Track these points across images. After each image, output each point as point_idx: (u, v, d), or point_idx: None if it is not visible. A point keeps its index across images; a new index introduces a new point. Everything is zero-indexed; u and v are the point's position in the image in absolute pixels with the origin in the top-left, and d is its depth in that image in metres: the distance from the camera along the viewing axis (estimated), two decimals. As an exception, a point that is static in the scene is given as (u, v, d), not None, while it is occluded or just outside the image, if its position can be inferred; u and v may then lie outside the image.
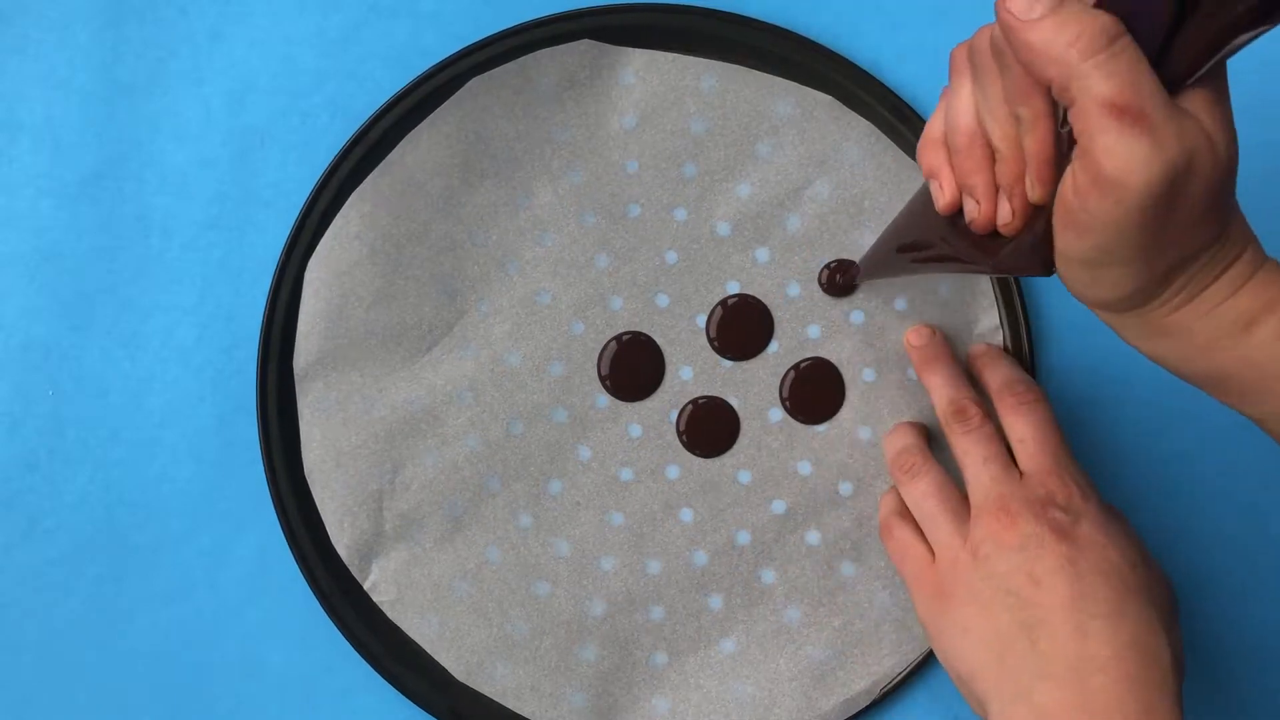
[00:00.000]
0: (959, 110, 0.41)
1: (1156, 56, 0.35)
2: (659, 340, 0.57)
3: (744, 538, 0.57)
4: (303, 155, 0.57)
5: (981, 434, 0.50)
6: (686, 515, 0.57)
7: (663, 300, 0.57)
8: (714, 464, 0.57)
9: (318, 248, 0.56)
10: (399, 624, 0.57)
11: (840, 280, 0.56)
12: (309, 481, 0.56)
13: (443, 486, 0.57)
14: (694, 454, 0.57)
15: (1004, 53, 0.37)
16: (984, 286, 0.57)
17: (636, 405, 0.57)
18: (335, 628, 0.57)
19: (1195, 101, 0.36)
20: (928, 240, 0.46)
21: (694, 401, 0.57)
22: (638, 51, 0.56)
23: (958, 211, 0.44)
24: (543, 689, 0.57)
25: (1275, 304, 0.38)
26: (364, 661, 0.57)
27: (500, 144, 0.56)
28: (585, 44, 0.56)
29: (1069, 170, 0.37)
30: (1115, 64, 0.34)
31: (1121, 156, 0.34)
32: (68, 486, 0.58)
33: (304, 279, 0.56)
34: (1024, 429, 0.50)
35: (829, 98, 0.56)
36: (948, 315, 0.57)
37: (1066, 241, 0.38)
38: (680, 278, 0.57)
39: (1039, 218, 0.40)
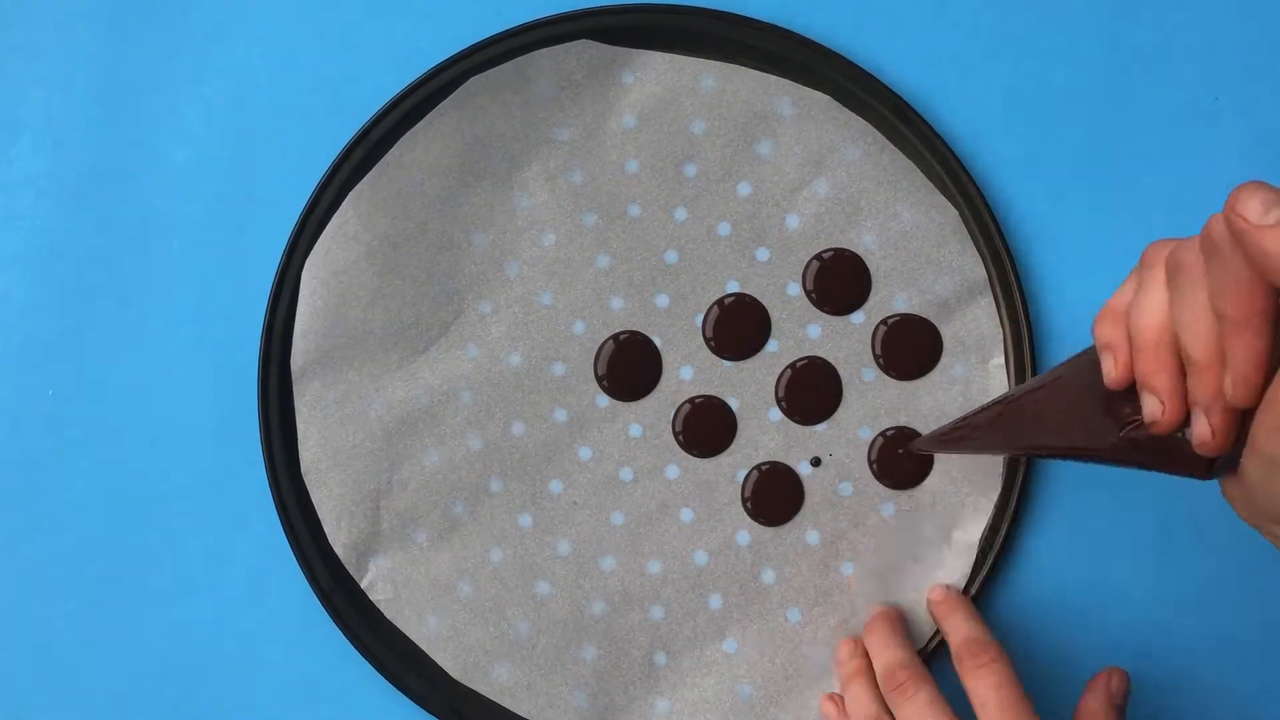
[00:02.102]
0: (1148, 308, 0.39)
1: None
2: (658, 340, 0.57)
3: (743, 538, 0.57)
4: (303, 155, 0.57)
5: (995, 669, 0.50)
6: (687, 515, 0.57)
7: (663, 300, 0.57)
8: (713, 464, 0.57)
9: (315, 247, 0.56)
10: (396, 623, 0.57)
11: (902, 457, 0.55)
12: (306, 480, 0.56)
13: (440, 486, 0.57)
14: (690, 454, 0.57)
15: (1219, 254, 0.36)
16: (982, 287, 0.57)
17: (636, 405, 0.57)
18: (335, 628, 0.57)
19: None
20: (1064, 428, 0.44)
21: (690, 401, 0.57)
22: (636, 52, 0.56)
23: (1115, 403, 0.41)
24: (540, 688, 0.57)
25: None
26: (364, 661, 0.57)
27: (498, 144, 0.56)
28: (583, 44, 0.56)
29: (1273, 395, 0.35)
30: None
31: None
32: (68, 486, 0.58)
33: (301, 278, 0.56)
34: (984, 692, 0.49)
35: (827, 97, 0.56)
36: (946, 315, 0.57)
37: (1267, 454, 0.36)
38: (680, 278, 0.57)
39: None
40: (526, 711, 0.57)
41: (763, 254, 0.57)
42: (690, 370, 0.57)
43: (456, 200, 0.56)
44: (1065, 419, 0.44)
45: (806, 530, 0.57)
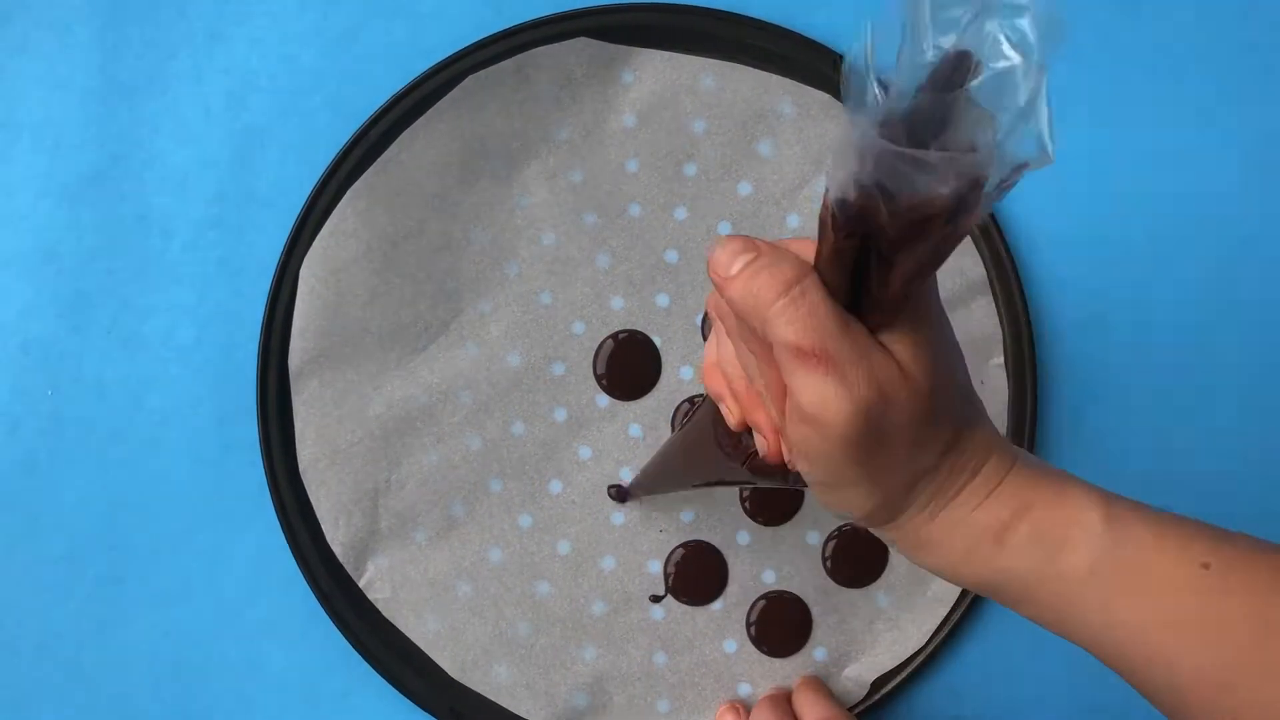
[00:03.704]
0: (726, 358, 0.42)
1: (856, 298, 0.36)
2: (658, 339, 0.57)
3: (743, 538, 0.57)
4: (303, 155, 0.57)
5: None
6: (687, 515, 0.57)
7: (663, 300, 0.57)
8: (713, 464, 0.57)
9: (313, 245, 0.56)
10: (394, 621, 0.57)
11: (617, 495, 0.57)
12: (304, 479, 0.56)
13: (440, 485, 0.57)
14: (689, 451, 0.57)
15: (726, 322, 0.40)
16: (982, 286, 0.57)
17: (636, 405, 0.57)
18: (335, 628, 0.57)
19: (895, 334, 0.36)
20: (702, 467, 0.48)
21: (690, 400, 0.57)
22: (635, 50, 0.56)
23: (739, 437, 0.44)
24: (539, 687, 0.57)
25: (1024, 511, 0.38)
26: (364, 661, 0.57)
27: (497, 142, 0.56)
28: (582, 42, 0.56)
29: (787, 405, 0.38)
30: (795, 310, 0.35)
31: (813, 395, 0.35)
32: (68, 486, 0.58)
33: (300, 276, 0.56)
34: None
35: (827, 96, 0.56)
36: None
37: (799, 465, 0.39)
38: (680, 277, 0.57)
39: None
40: (525, 711, 0.57)
41: (763, 254, 0.57)
42: (690, 370, 0.57)
43: (455, 198, 0.56)
44: (701, 459, 0.48)
45: (806, 530, 0.57)
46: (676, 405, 0.57)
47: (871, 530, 0.40)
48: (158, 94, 0.57)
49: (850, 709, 0.57)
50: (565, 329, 0.57)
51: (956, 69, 0.30)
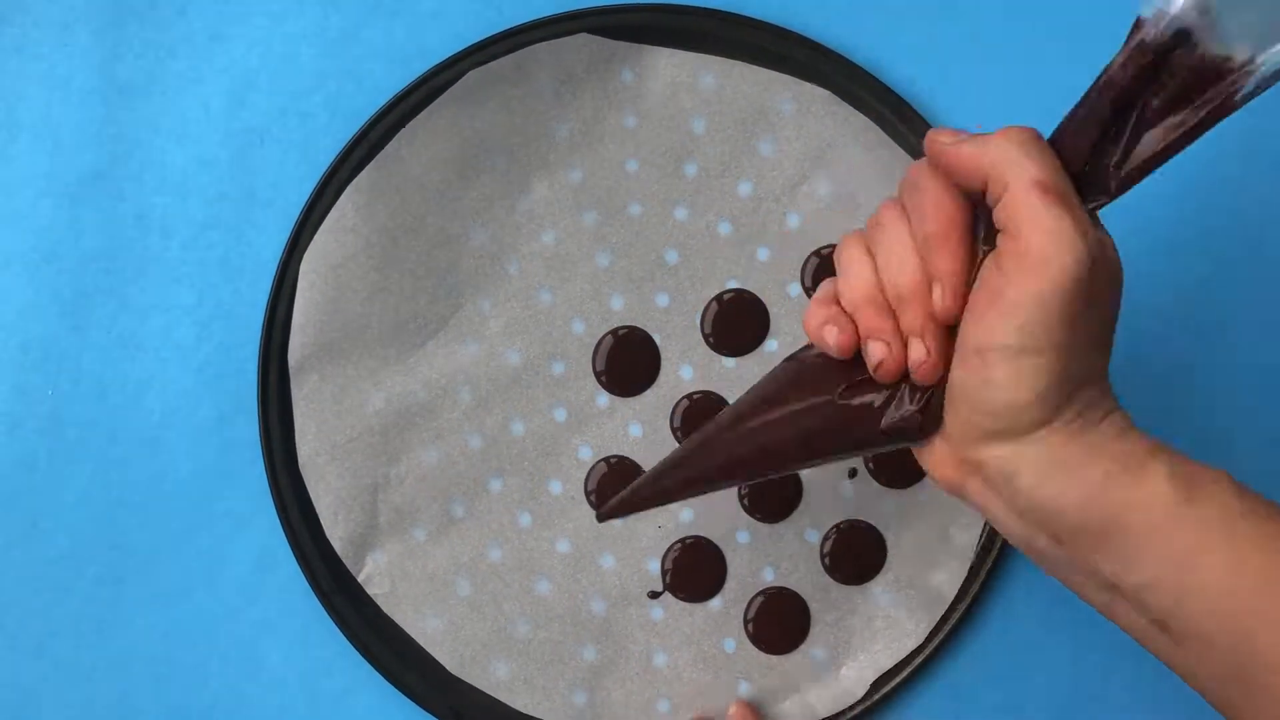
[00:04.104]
0: (854, 278, 0.43)
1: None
2: (657, 338, 0.57)
3: (743, 537, 0.57)
4: (303, 155, 0.57)
5: None
6: (687, 515, 0.57)
7: (663, 299, 0.57)
8: (712, 462, 0.57)
9: (313, 241, 0.56)
10: (394, 617, 0.57)
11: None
12: (303, 474, 0.56)
13: (439, 480, 0.57)
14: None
15: (917, 187, 0.41)
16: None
17: (636, 404, 0.57)
18: (335, 627, 0.57)
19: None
20: (797, 419, 0.44)
21: (689, 397, 0.57)
22: (636, 47, 0.56)
23: (836, 378, 0.43)
24: (538, 683, 0.57)
25: (1158, 450, 0.40)
26: (364, 661, 0.57)
27: (497, 139, 0.56)
28: (583, 39, 0.56)
29: (991, 261, 0.39)
30: (1044, 153, 0.39)
31: (1051, 231, 0.37)
32: (68, 486, 0.58)
33: (299, 272, 0.56)
34: None
35: (826, 92, 0.56)
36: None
37: (989, 326, 0.39)
38: (680, 277, 0.57)
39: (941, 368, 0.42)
40: (524, 705, 0.57)
41: (764, 253, 0.57)
42: (690, 369, 0.57)
43: (455, 194, 0.56)
44: (779, 420, 0.44)
45: (805, 528, 0.57)
46: (675, 402, 0.57)
47: (992, 452, 0.40)
48: (158, 94, 0.58)
49: (850, 709, 0.57)
50: (565, 327, 0.57)
51: None
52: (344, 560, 0.57)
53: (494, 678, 0.57)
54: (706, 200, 0.57)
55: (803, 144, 0.56)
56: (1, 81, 0.57)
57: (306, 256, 0.56)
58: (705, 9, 0.56)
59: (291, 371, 0.56)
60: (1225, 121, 0.38)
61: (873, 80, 0.56)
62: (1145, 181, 0.40)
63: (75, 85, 0.57)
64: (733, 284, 0.57)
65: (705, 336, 0.57)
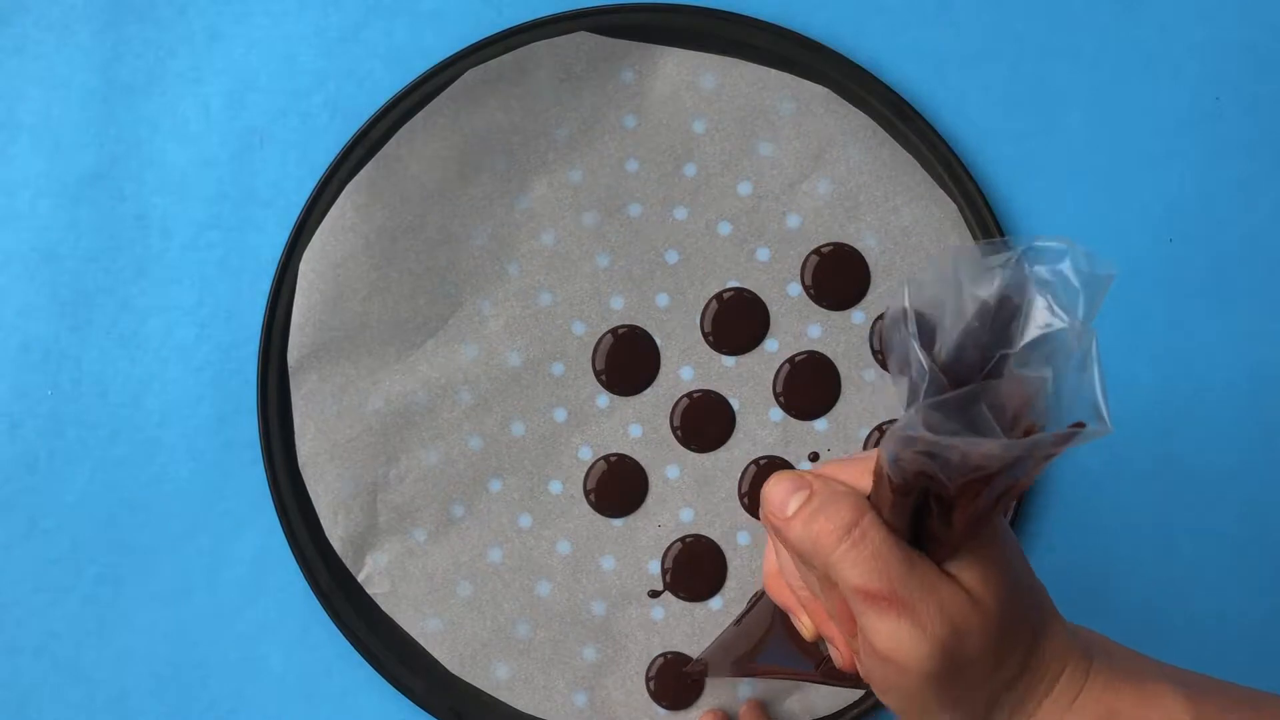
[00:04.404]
0: (789, 571, 0.41)
1: (917, 532, 0.35)
2: (658, 338, 0.57)
3: (744, 538, 0.57)
4: (303, 155, 0.57)
5: None
6: (687, 515, 0.57)
7: (663, 299, 0.57)
8: (711, 459, 0.57)
9: (312, 240, 0.56)
10: (393, 617, 0.57)
11: (689, 681, 0.56)
12: (303, 474, 0.56)
13: (439, 482, 0.57)
14: (689, 449, 0.57)
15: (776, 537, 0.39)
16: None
17: (635, 403, 0.57)
18: (335, 627, 0.57)
19: (962, 562, 0.36)
20: (787, 655, 0.47)
21: (689, 395, 0.57)
22: (635, 46, 0.56)
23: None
24: (538, 682, 0.57)
25: (1112, 715, 0.37)
26: (364, 661, 0.57)
27: (497, 138, 0.56)
28: (582, 36, 0.56)
29: (859, 638, 0.37)
30: (858, 553, 0.35)
31: (887, 638, 0.35)
32: (68, 486, 0.58)
33: (299, 272, 0.56)
34: None
35: (826, 91, 0.56)
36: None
37: (877, 692, 0.38)
38: (680, 276, 0.57)
39: None
40: (524, 705, 0.57)
41: (763, 253, 0.57)
42: (690, 369, 0.57)
43: (455, 194, 0.56)
44: (779, 651, 0.47)
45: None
46: (675, 401, 0.57)
47: None
48: (157, 94, 0.58)
49: (849, 709, 0.57)
50: (565, 328, 0.57)
51: (998, 315, 0.30)
52: (344, 560, 0.57)
53: (494, 678, 0.57)
54: (706, 200, 0.57)
55: (802, 144, 0.56)
56: (1, 81, 0.57)
57: (306, 256, 0.56)
58: (705, 9, 0.56)
59: (291, 371, 0.56)
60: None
61: (872, 80, 0.56)
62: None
63: (75, 85, 0.57)
64: (733, 283, 0.57)
65: (705, 336, 0.57)
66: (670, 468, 0.57)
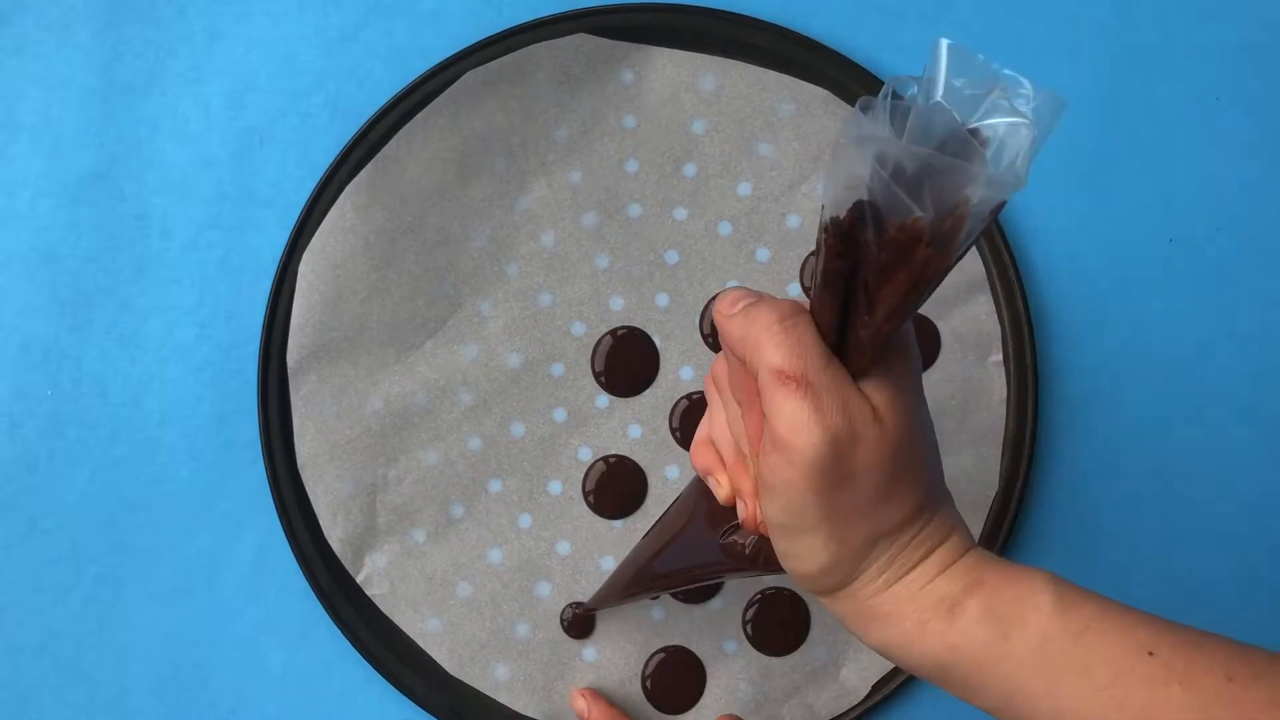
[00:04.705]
0: (718, 429, 0.44)
1: (842, 347, 0.38)
2: (657, 338, 0.57)
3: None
4: (303, 155, 0.57)
5: None
6: (687, 515, 0.57)
7: (663, 300, 0.57)
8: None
9: (312, 241, 0.56)
10: (392, 617, 0.57)
11: (576, 621, 0.57)
12: (302, 474, 0.56)
13: (438, 483, 0.57)
14: (688, 450, 0.57)
15: (726, 353, 0.41)
16: (982, 284, 0.57)
17: (635, 404, 0.57)
18: (335, 627, 0.57)
19: (873, 383, 0.38)
20: (693, 548, 0.48)
21: (688, 397, 0.57)
22: (635, 47, 0.56)
23: (721, 519, 0.46)
24: (538, 683, 0.57)
25: (975, 587, 0.38)
26: (364, 661, 0.57)
27: (496, 139, 0.56)
28: (582, 39, 0.56)
29: (762, 437, 0.39)
30: (784, 336, 0.38)
31: (787, 417, 0.37)
32: (68, 486, 0.58)
33: (298, 272, 0.56)
34: None
35: (825, 92, 0.56)
36: (945, 311, 0.57)
37: (764, 507, 0.40)
38: (680, 277, 0.57)
39: None
40: (523, 706, 0.57)
41: (763, 254, 0.57)
42: (689, 369, 0.57)
43: (454, 195, 0.56)
44: (678, 543, 0.49)
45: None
46: (675, 402, 0.57)
47: (824, 603, 0.41)
48: (157, 94, 0.58)
49: (850, 710, 0.57)
50: (564, 329, 0.57)
51: (967, 143, 0.33)
52: (343, 561, 0.57)
53: (494, 679, 0.57)
54: (706, 201, 0.57)
55: (802, 144, 0.56)
56: (1, 81, 0.57)
57: (305, 257, 0.56)
58: (705, 9, 0.56)
59: (290, 372, 0.56)
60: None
61: (873, 80, 0.56)
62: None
63: (75, 85, 0.57)
64: (732, 284, 0.57)
65: (704, 337, 0.57)
66: (670, 468, 0.57)
